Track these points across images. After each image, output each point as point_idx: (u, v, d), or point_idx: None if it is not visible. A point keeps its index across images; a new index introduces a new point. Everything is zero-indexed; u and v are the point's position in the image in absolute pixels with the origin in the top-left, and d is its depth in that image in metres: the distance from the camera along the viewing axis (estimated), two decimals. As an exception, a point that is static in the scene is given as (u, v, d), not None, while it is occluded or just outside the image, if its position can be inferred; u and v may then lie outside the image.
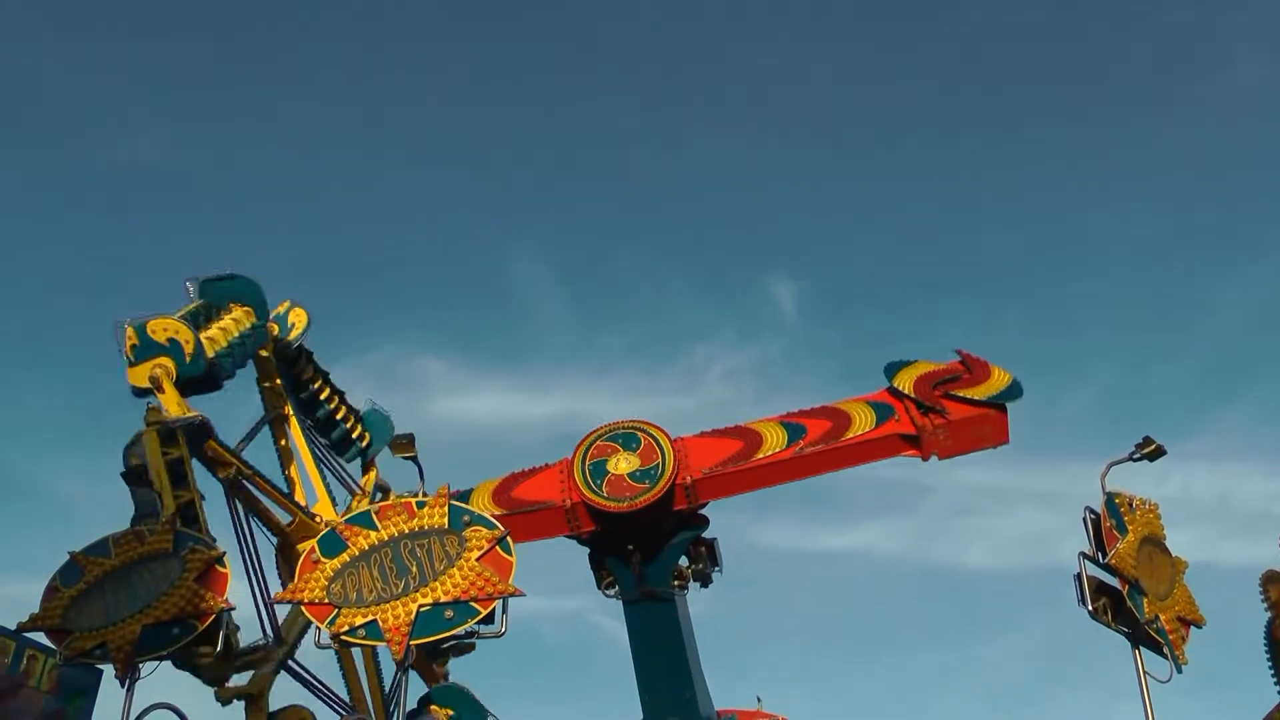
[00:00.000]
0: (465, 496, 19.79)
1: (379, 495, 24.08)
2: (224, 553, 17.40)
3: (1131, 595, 17.70)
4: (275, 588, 19.34)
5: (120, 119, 64.52)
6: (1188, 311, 66.55)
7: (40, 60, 61.02)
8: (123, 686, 16.16)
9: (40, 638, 18.16)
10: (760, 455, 20.45)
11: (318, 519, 20.42)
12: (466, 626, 15.70)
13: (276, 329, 22.14)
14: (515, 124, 71.66)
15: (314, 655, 20.71)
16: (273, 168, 70.90)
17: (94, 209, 65.05)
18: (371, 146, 71.46)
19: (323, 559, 16.43)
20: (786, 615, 58.93)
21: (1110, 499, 18.37)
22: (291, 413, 22.88)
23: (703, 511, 20.67)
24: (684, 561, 20.72)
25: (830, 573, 62.63)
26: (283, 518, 20.72)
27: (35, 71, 60.81)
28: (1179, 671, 17.71)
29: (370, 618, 15.74)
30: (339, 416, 23.75)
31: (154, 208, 66.24)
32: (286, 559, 20.02)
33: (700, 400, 66.69)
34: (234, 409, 21.30)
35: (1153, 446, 18.45)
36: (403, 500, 16.88)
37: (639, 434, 20.45)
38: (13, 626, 17.90)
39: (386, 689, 21.35)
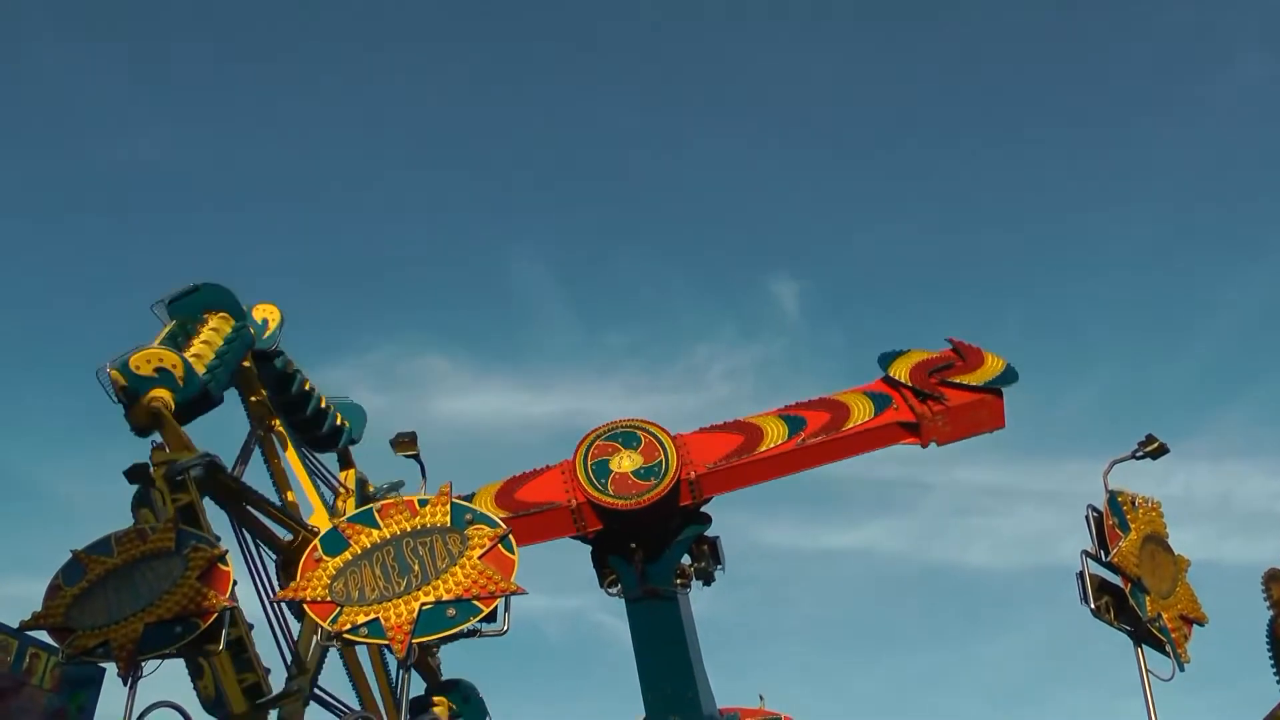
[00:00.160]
0: (467, 501, 19.80)
1: (360, 489, 24.04)
2: (226, 551, 17.43)
3: (1134, 593, 17.70)
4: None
5: (120, 119, 64.65)
6: (1189, 311, 66.66)
7: (40, 60, 61.09)
8: (125, 685, 16.17)
9: (43, 636, 18.15)
10: (762, 448, 20.55)
11: (317, 532, 20.42)
12: (469, 625, 15.67)
13: (253, 330, 22.08)
14: (516, 124, 71.79)
15: (335, 676, 21.00)
16: (273, 168, 71.04)
17: (94, 209, 65.20)
18: (372, 146, 71.61)
19: (325, 557, 16.43)
20: (788, 614, 59.02)
21: (1113, 497, 18.38)
22: (280, 425, 22.78)
23: (705, 509, 20.69)
24: (686, 560, 20.73)
25: (832, 571, 62.77)
26: (281, 533, 20.84)
27: (35, 71, 60.88)
28: (1181, 670, 17.70)
29: (372, 616, 15.73)
30: (323, 407, 23.71)
31: (154, 208, 66.39)
32: (289, 575, 20.04)
33: (702, 399, 66.80)
34: (218, 421, 21.24)
35: (1155, 445, 18.46)
36: (405, 498, 16.88)
37: (638, 432, 20.46)
38: (15, 625, 17.92)
39: (394, 687, 21.37)
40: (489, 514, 16.88)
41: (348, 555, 16.34)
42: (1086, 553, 17.93)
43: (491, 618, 15.75)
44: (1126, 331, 66.87)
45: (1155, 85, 68.43)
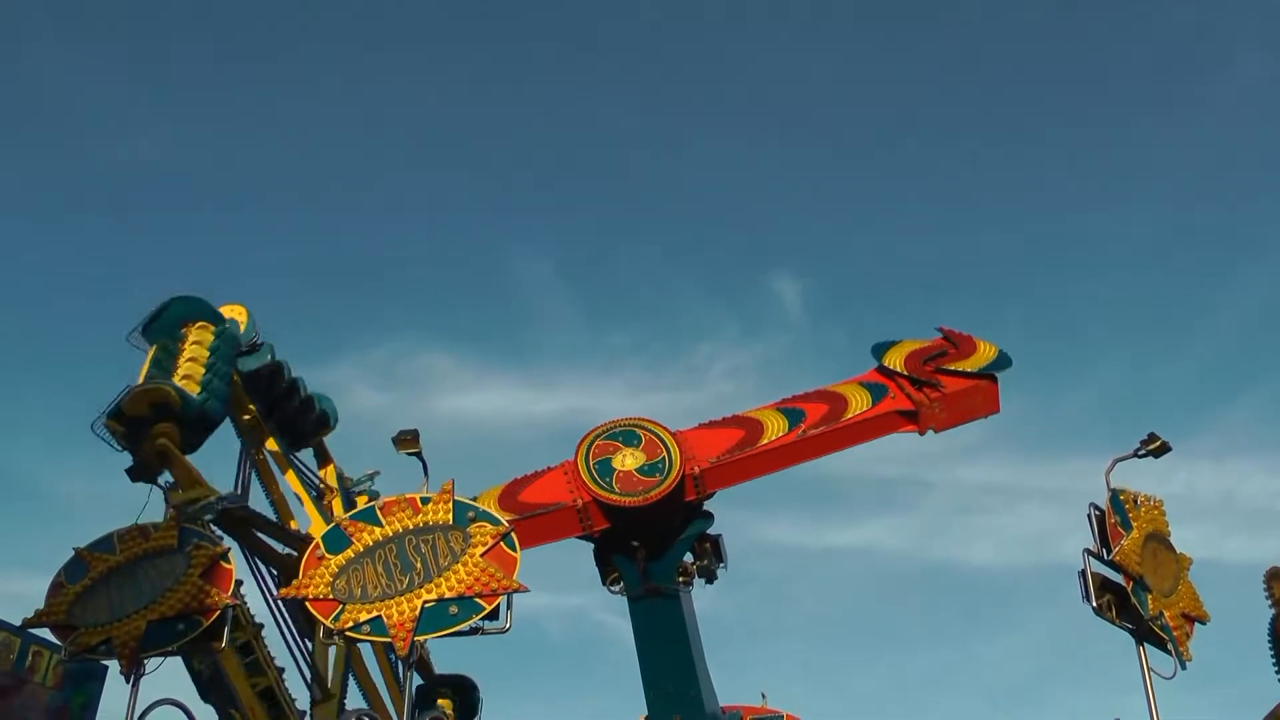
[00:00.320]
0: None
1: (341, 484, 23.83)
2: (229, 549, 17.46)
3: (1136, 592, 17.71)
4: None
5: (121, 119, 64.64)
6: (1190, 310, 66.68)
7: (40, 60, 61.08)
8: (128, 682, 16.21)
9: (45, 634, 18.21)
10: (764, 441, 20.62)
11: None
12: (471, 622, 15.69)
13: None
14: (518, 123, 71.78)
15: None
16: (274, 167, 71.05)
17: (94, 209, 65.19)
18: (373, 145, 71.61)
19: (327, 555, 16.44)
20: (790, 612, 59.00)
21: (1115, 495, 18.40)
22: (274, 443, 22.63)
23: (707, 507, 20.70)
24: (689, 558, 20.72)
25: (834, 569, 62.76)
26: (279, 548, 20.88)
27: (35, 71, 60.89)
28: (1183, 668, 17.74)
29: (375, 613, 15.75)
30: (305, 395, 23.46)
31: (154, 207, 66.36)
32: None
33: (704, 397, 66.78)
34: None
35: (1157, 443, 18.46)
36: (407, 496, 16.88)
37: (638, 430, 20.46)
38: (18, 623, 17.95)
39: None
40: (491, 511, 16.88)
41: (350, 553, 16.35)
42: (1089, 551, 17.94)
43: (494, 615, 15.77)
44: (1128, 330, 66.94)
45: (1156, 85, 68.48)
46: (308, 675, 20.23)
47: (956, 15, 71.37)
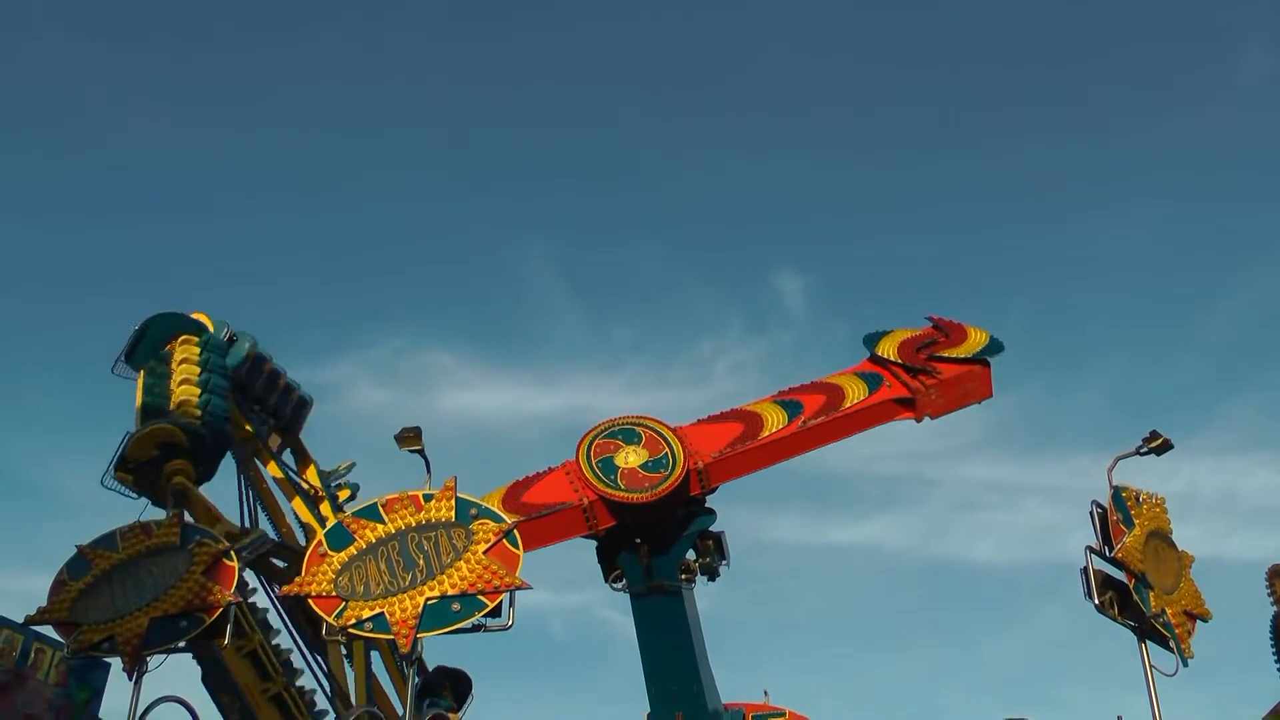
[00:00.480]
0: None
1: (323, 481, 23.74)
2: (231, 546, 17.47)
3: (1138, 589, 17.70)
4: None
5: (122, 117, 64.59)
6: (1193, 307, 66.65)
7: (40, 59, 61.05)
8: (131, 679, 16.22)
9: (48, 631, 18.21)
10: (765, 434, 20.74)
11: None
12: (473, 619, 15.69)
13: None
14: (521, 120, 71.73)
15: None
16: (275, 165, 70.98)
17: (97, 207, 65.15)
18: (376, 143, 71.59)
19: (330, 552, 16.44)
20: (793, 609, 58.97)
21: (1117, 493, 18.38)
22: (270, 456, 22.57)
23: (710, 503, 20.71)
24: (691, 555, 20.73)
25: (837, 567, 62.70)
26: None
27: (34, 69, 60.85)
28: (1185, 665, 17.72)
29: (377, 610, 15.76)
30: (284, 385, 23.38)
31: (158, 206, 66.30)
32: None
33: (708, 393, 66.81)
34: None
35: (1159, 441, 18.43)
36: (410, 493, 16.87)
37: (637, 428, 20.47)
38: (20, 620, 17.96)
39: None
40: (494, 509, 16.88)
41: (352, 550, 16.36)
42: (1091, 548, 17.92)
43: (496, 613, 15.77)
44: (1130, 328, 66.91)
45: (1157, 82, 68.46)
46: (326, 687, 20.32)
47: (959, 12, 71.37)
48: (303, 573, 16.50)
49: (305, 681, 20.98)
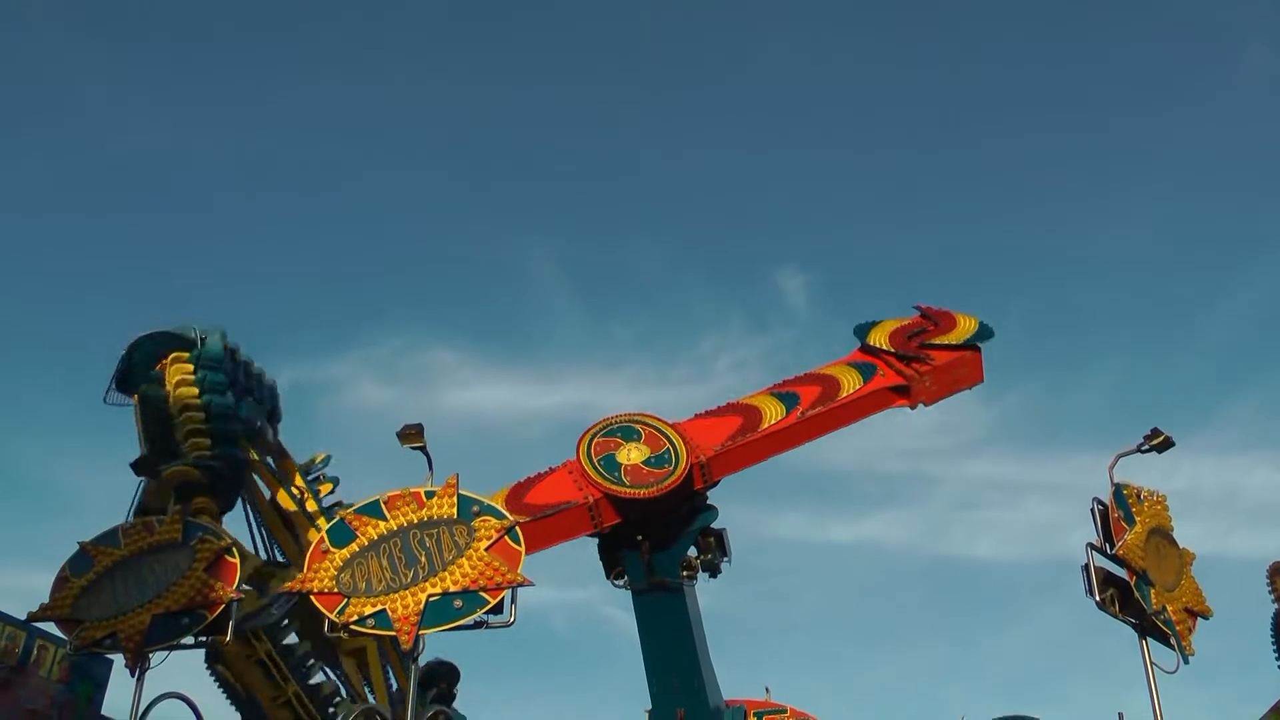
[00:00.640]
0: None
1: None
2: (233, 543, 17.50)
3: (1139, 586, 17.71)
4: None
5: (124, 115, 64.58)
6: (1194, 305, 66.61)
7: (40, 58, 61.01)
8: (133, 676, 16.25)
9: (51, 628, 18.25)
10: (764, 426, 20.85)
11: None
12: (475, 616, 15.70)
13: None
14: (523, 118, 71.74)
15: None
16: (277, 163, 70.99)
17: (97, 207, 65.13)
18: (377, 140, 71.53)
19: (332, 549, 16.45)
20: (795, 606, 59.00)
21: (1118, 490, 18.39)
22: (271, 475, 22.47)
23: (712, 500, 20.75)
24: (693, 552, 20.75)
25: (839, 564, 62.70)
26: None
27: (33, 69, 60.82)
28: (1186, 662, 17.73)
29: (379, 607, 15.77)
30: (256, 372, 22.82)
31: (158, 205, 66.27)
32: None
33: (709, 390, 66.95)
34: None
35: (1161, 438, 18.44)
36: (412, 490, 16.89)
37: (636, 425, 20.51)
38: (23, 617, 18.00)
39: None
40: (495, 505, 16.90)
41: (354, 547, 16.37)
42: (1092, 545, 17.94)
43: (498, 609, 15.77)
44: (1132, 326, 66.91)
45: (1157, 83, 68.46)
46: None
47: (960, 10, 71.37)
48: (305, 569, 16.52)
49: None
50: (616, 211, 72.96)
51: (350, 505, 22.27)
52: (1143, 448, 18.55)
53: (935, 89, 70.51)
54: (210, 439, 19.74)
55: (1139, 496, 18.66)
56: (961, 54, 70.14)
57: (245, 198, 68.39)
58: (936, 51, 70.30)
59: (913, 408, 21.90)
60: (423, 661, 20.76)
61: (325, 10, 71.00)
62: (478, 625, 15.83)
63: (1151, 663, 17.42)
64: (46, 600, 17.11)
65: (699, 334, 71.12)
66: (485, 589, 15.74)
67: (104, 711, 21.78)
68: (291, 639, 20.74)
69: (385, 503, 16.82)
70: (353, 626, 16.01)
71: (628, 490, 19.57)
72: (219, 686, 19.96)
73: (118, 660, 17.46)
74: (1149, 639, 17.70)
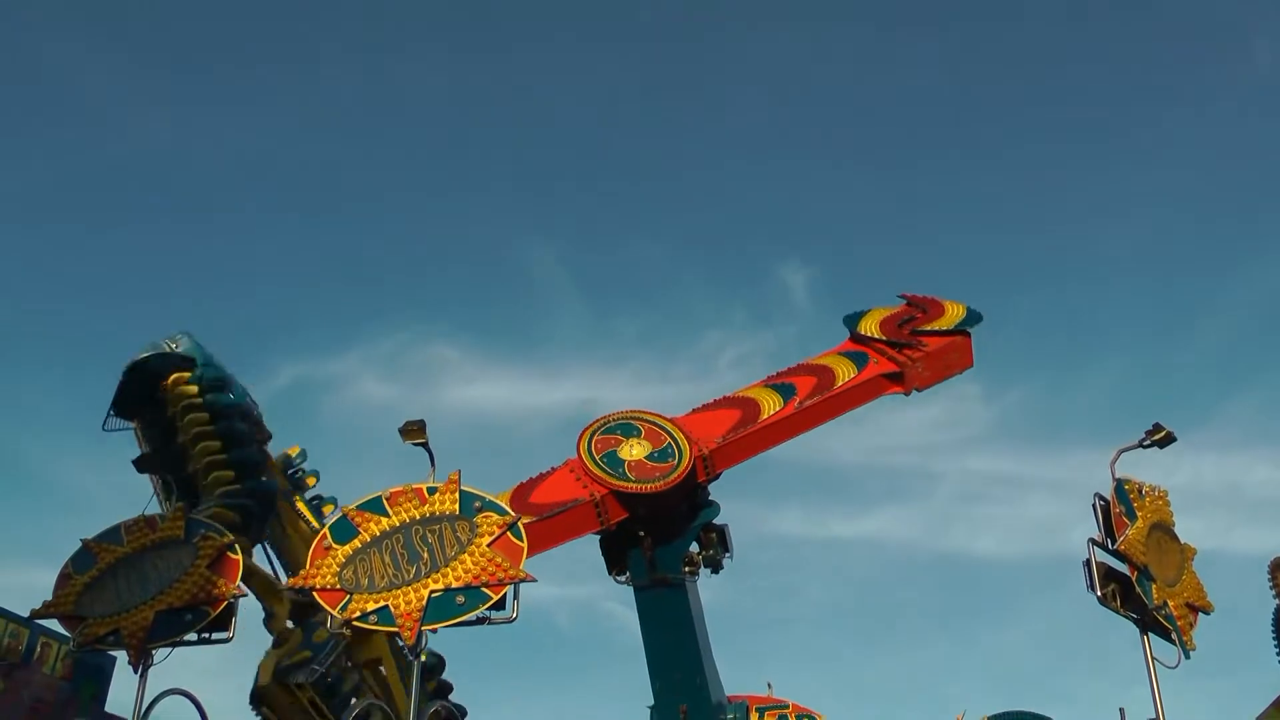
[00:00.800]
0: None
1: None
2: (235, 540, 17.52)
3: (1140, 581, 17.71)
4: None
5: (125, 111, 64.60)
6: (1197, 302, 66.57)
7: (41, 60, 61.01)
8: (136, 672, 16.28)
9: (54, 625, 18.27)
10: (765, 417, 20.93)
11: None
12: (478, 612, 15.69)
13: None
14: (526, 112, 71.74)
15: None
16: (279, 159, 70.99)
17: (101, 205, 65.17)
18: (380, 137, 71.52)
19: (334, 545, 16.44)
20: (797, 602, 59.06)
21: (1120, 485, 18.39)
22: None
23: (713, 496, 20.78)
24: (695, 548, 20.78)
25: (841, 560, 62.74)
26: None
27: (34, 68, 60.82)
28: (1187, 657, 17.75)
29: (382, 603, 15.76)
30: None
31: (160, 203, 66.31)
32: None
33: (712, 386, 66.88)
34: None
35: (1163, 433, 18.44)
36: (414, 486, 16.90)
37: (634, 422, 20.54)
38: (26, 614, 18.02)
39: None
40: (498, 502, 16.92)
41: (357, 543, 16.36)
42: (1093, 540, 17.94)
43: (501, 605, 15.76)
44: (1134, 322, 66.90)
45: (1164, 76, 68.41)
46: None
47: (965, 10, 71.35)
48: (307, 565, 16.54)
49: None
50: (619, 208, 73.10)
51: (331, 499, 22.50)
52: (1144, 443, 18.54)
53: (937, 87, 70.56)
54: (233, 470, 19.64)
55: (1141, 491, 18.65)
56: (966, 50, 70.18)
57: (246, 195, 68.51)
58: (939, 50, 70.35)
59: (906, 394, 22.20)
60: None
61: (326, 10, 71.03)
62: (480, 621, 15.82)
63: (1153, 658, 17.42)
64: (49, 597, 17.14)
65: (701, 330, 71.27)
66: (488, 585, 15.74)
67: (107, 708, 21.81)
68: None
69: (387, 499, 16.81)
70: (355, 622, 16.03)
71: (635, 485, 19.57)
72: None
73: (121, 657, 17.48)
74: (1150, 634, 17.69)
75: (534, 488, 20.24)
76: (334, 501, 22.25)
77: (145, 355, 19.86)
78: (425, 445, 16.99)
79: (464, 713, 21.73)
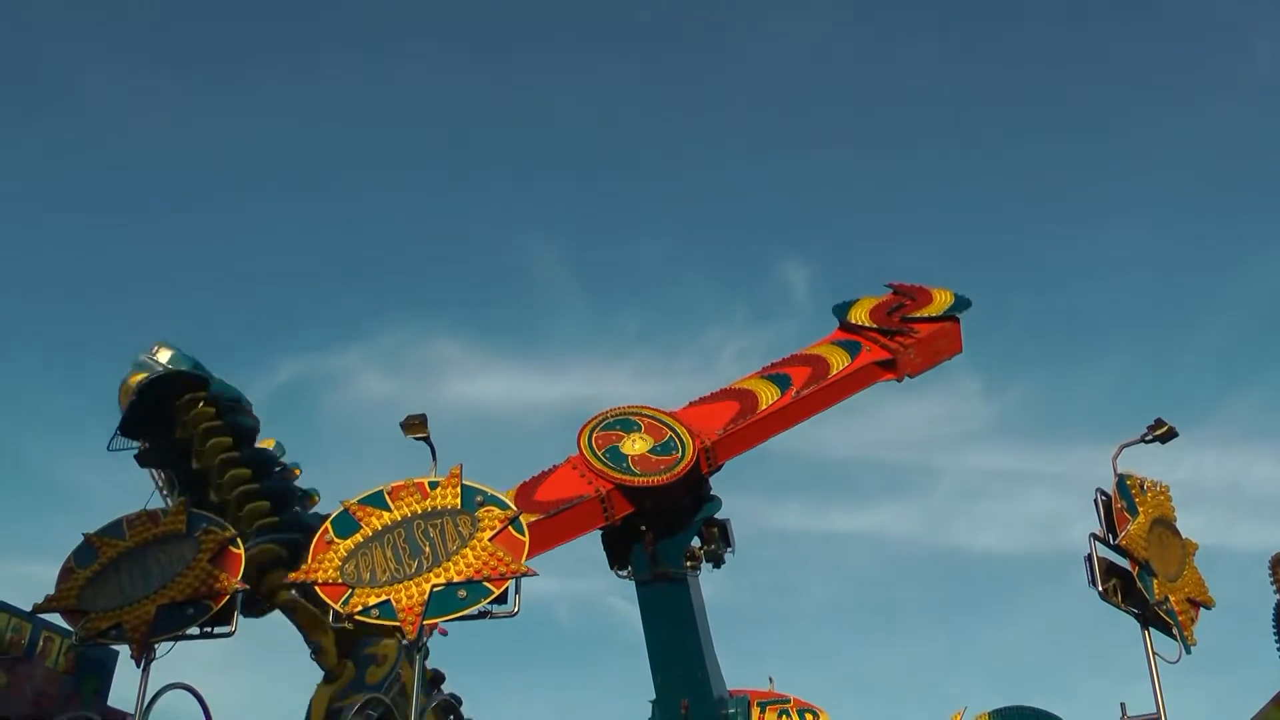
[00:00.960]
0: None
1: None
2: (237, 534, 17.54)
3: (1142, 576, 17.71)
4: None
5: (126, 108, 64.58)
6: (1200, 298, 66.48)
7: (41, 59, 60.96)
8: (138, 666, 16.30)
9: (56, 619, 18.28)
10: (764, 408, 21.01)
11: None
12: (479, 606, 15.71)
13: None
14: (528, 108, 71.72)
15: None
16: (280, 156, 70.95)
17: (101, 204, 65.14)
18: (380, 132, 71.49)
19: (336, 539, 16.46)
20: (798, 597, 59.07)
21: (1121, 480, 18.39)
22: None
23: (715, 491, 20.80)
24: (696, 542, 20.80)
25: (841, 555, 62.75)
26: None
27: (34, 67, 60.78)
28: (1188, 652, 17.76)
29: (384, 597, 15.79)
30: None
31: (163, 199, 66.28)
32: None
33: (714, 381, 66.16)
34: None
35: (1164, 429, 18.45)
36: (415, 481, 16.91)
37: (633, 417, 20.55)
38: (28, 608, 18.04)
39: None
40: (499, 496, 16.93)
41: (358, 537, 16.38)
42: (1095, 536, 17.95)
43: (502, 599, 15.78)
44: (1136, 318, 66.85)
45: (1161, 77, 68.40)
46: None
47: (965, 9, 71.31)
48: (309, 560, 16.55)
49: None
50: (620, 205, 73.00)
51: (314, 491, 22.44)
52: (1146, 438, 18.55)
53: (939, 84, 70.50)
54: (268, 500, 19.61)
55: (1142, 487, 18.66)
56: (967, 46, 70.13)
57: (248, 193, 68.50)
58: (941, 46, 70.28)
59: (899, 380, 22.42)
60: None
61: (325, 9, 71.00)
62: (482, 615, 15.84)
63: (1154, 653, 17.42)
64: (52, 591, 17.16)
65: (702, 326, 71.22)
66: (489, 579, 15.75)
67: (110, 702, 21.85)
68: None
69: (389, 493, 16.82)
70: (357, 617, 16.04)
71: (641, 479, 19.55)
72: None
73: (123, 651, 17.48)
74: (1151, 629, 17.70)
75: (537, 486, 20.21)
76: (317, 494, 22.21)
77: (158, 375, 19.76)
78: (427, 440, 16.99)
79: (460, 701, 21.74)
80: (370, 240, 69.60)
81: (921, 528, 62.10)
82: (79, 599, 16.94)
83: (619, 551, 20.54)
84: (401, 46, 70.47)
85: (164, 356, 20.16)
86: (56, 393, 58.38)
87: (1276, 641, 19.48)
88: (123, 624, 16.55)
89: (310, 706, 19.58)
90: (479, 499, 16.54)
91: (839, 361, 22.17)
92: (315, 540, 16.77)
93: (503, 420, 62.28)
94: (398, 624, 15.80)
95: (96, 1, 65.27)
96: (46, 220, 61.94)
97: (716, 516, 20.93)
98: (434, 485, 16.78)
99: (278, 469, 20.77)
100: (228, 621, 16.60)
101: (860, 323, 23.02)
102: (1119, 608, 17.81)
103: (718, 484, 20.89)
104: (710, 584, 21.42)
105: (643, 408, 20.75)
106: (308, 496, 21.84)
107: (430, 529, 16.27)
